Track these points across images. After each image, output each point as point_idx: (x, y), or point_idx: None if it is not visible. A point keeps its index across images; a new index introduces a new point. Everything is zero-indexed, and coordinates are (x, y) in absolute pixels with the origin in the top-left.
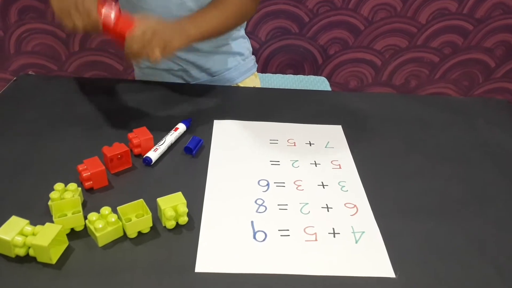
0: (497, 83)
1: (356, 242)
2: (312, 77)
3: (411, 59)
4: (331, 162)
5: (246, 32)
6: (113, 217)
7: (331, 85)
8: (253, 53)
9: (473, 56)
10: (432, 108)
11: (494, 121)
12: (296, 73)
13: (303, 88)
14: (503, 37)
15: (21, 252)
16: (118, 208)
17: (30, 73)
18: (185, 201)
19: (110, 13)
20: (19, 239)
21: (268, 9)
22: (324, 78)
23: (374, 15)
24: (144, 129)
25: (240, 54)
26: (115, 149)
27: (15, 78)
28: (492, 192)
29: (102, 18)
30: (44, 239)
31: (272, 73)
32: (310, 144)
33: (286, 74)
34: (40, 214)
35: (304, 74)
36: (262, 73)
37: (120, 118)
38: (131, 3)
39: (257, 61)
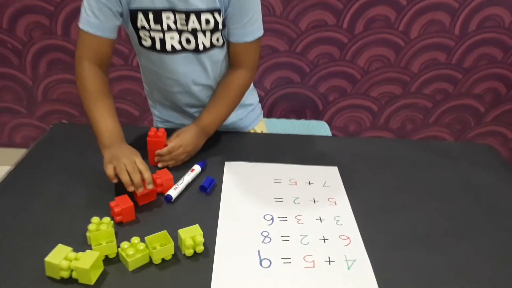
0: (488, 127)
1: (349, 269)
2: (313, 121)
3: (406, 105)
4: (328, 199)
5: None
6: (141, 246)
7: (331, 129)
8: (259, 101)
9: (464, 102)
10: (421, 151)
11: (477, 163)
12: (298, 117)
13: (305, 132)
14: (490, 84)
15: (66, 274)
16: (145, 238)
17: (63, 121)
18: (201, 232)
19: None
20: (65, 263)
21: (272, 62)
22: (325, 122)
23: (370, 66)
24: (165, 170)
25: (250, 105)
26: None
27: (51, 126)
28: (473, 225)
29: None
30: (86, 263)
31: (277, 118)
32: (310, 183)
33: (290, 118)
34: (79, 243)
35: (306, 119)
36: (267, 118)
37: (146, 160)
38: (160, 76)
39: (263, 107)
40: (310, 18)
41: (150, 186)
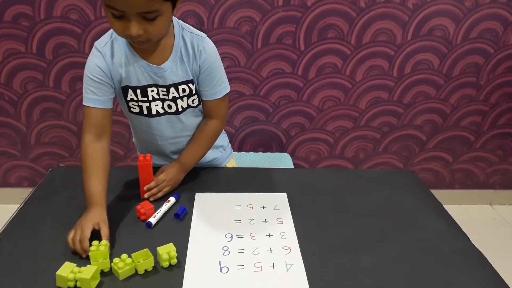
0: (431, 153)
1: (287, 271)
2: (278, 153)
3: (357, 136)
4: (277, 219)
5: None
6: (129, 260)
7: (295, 159)
8: (230, 137)
9: (407, 132)
10: (353, 179)
11: (397, 187)
12: (265, 150)
13: (270, 163)
14: (428, 116)
15: (72, 284)
16: (132, 254)
17: (60, 165)
18: (175, 249)
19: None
20: (71, 275)
21: (240, 104)
22: (288, 154)
23: (323, 105)
24: (147, 202)
25: (221, 146)
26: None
27: (50, 169)
28: (388, 236)
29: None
30: (87, 274)
31: (246, 152)
32: (263, 207)
33: (258, 152)
34: (82, 261)
35: (272, 152)
36: (238, 151)
37: (131, 195)
38: (148, 133)
39: (233, 143)
40: (270, 67)
41: (83, 255)
